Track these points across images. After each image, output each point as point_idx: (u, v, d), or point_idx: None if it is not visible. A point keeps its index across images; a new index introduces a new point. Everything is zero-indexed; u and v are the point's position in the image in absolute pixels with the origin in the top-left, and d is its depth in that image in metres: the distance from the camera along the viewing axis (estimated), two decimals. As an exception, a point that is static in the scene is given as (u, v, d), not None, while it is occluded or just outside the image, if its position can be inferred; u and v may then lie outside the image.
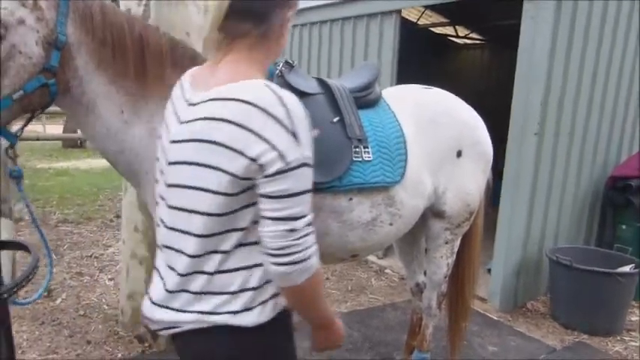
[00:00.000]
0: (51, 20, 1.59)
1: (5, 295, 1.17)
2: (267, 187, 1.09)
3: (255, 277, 1.18)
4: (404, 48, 5.06)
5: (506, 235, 3.97)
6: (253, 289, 1.18)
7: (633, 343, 3.62)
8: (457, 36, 10.05)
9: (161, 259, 1.28)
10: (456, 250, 2.58)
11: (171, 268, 1.21)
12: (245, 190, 1.12)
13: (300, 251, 1.10)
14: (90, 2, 1.69)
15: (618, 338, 3.68)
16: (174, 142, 1.19)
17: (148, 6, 2.88)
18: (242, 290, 1.17)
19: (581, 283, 3.69)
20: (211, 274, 1.17)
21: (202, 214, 1.14)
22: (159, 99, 1.77)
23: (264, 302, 1.19)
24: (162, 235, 1.26)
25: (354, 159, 1.99)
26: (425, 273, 2.87)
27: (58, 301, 3.85)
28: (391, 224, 2.15)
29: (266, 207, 1.10)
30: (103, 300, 3.92)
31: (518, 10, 3.86)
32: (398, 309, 4.03)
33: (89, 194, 7.59)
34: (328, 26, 5.67)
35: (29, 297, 2.49)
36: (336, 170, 1.94)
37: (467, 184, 2.36)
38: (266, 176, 1.08)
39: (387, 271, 4.95)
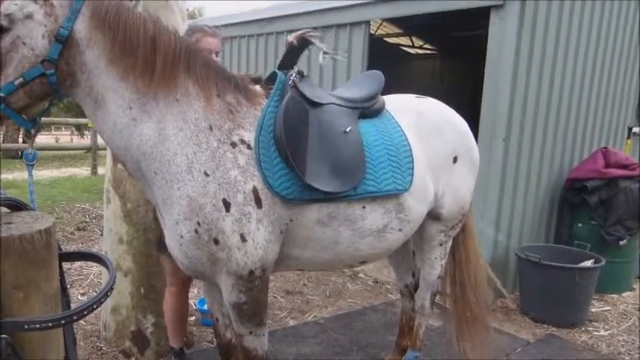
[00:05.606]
0: (61, 16, 1.68)
1: (75, 318, 1.11)
2: None
3: None
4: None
5: (477, 238, 4.15)
6: None
7: (597, 333, 3.88)
8: (412, 46, 10.38)
9: None
10: (448, 251, 2.70)
11: None
12: None
13: None
14: (107, 2, 1.75)
15: (583, 329, 3.93)
16: None
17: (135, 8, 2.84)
18: None
19: (550, 278, 3.93)
20: None
21: None
22: (169, 101, 1.82)
23: None
24: None
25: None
26: (413, 274, 2.98)
27: (29, 319, 3.65)
28: (400, 230, 2.23)
29: None
30: (79, 316, 3.75)
31: (472, 22, 4.07)
32: (378, 311, 4.13)
33: (43, 207, 7.21)
34: (295, 35, 5.74)
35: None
36: (352, 179, 1.99)
37: (461, 188, 2.49)
38: None
39: (360, 275, 5.04)
